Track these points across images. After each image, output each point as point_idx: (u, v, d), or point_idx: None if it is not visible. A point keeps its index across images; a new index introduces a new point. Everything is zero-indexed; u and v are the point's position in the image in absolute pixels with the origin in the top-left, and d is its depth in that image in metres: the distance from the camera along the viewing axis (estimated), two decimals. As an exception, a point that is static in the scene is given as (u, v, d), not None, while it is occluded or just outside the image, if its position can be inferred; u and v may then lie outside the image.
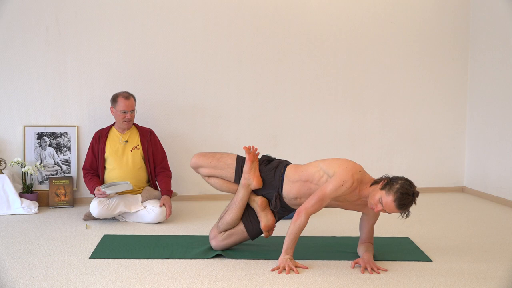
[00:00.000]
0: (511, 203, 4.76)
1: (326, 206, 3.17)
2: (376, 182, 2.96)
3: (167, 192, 4.19)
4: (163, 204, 4.04)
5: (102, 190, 3.91)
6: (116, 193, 4.01)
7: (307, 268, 3.01)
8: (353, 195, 3.02)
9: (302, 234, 3.74)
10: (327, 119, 5.17)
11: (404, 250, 3.38)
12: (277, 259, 3.11)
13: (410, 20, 5.28)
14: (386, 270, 2.99)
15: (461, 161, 5.50)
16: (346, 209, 3.18)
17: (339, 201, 3.08)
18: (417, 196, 2.87)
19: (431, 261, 3.18)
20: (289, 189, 3.16)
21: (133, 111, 4.23)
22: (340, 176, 2.95)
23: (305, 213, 2.97)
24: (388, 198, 2.82)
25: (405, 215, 2.91)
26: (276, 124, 5.09)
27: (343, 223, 4.07)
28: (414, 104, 5.37)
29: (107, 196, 3.97)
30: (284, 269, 2.95)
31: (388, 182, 2.88)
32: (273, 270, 2.99)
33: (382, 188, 2.87)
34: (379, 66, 5.27)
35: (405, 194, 2.82)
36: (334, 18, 5.15)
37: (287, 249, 3.01)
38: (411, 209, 2.90)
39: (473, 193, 5.33)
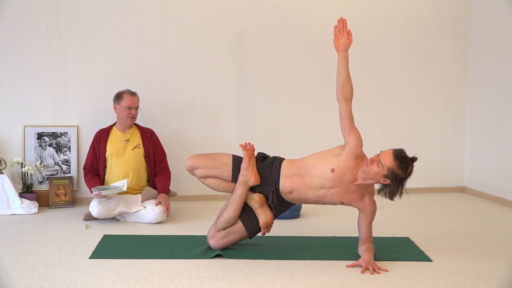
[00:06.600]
0: (511, 203, 4.76)
1: (322, 203, 3.21)
2: None
3: (164, 190, 4.18)
4: (159, 202, 4.03)
5: (95, 192, 3.88)
6: (116, 193, 4.01)
7: (387, 270, 2.99)
8: (353, 169, 3.06)
9: (302, 234, 3.75)
10: (327, 119, 5.16)
11: (404, 250, 3.38)
12: (277, 259, 3.14)
13: (410, 20, 5.29)
14: (387, 271, 2.98)
15: (461, 161, 5.50)
16: (341, 203, 3.17)
17: (337, 183, 3.08)
18: (415, 160, 2.99)
19: (431, 261, 3.18)
20: (285, 183, 3.19)
21: (137, 108, 4.24)
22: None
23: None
24: (385, 150, 3.01)
25: (398, 179, 2.96)
26: (276, 124, 5.09)
27: (343, 223, 4.06)
28: (414, 104, 5.37)
29: (105, 197, 3.96)
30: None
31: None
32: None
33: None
34: (379, 66, 5.27)
35: (401, 152, 3.00)
36: (334, 18, 5.08)
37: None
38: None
39: (473, 193, 5.33)
